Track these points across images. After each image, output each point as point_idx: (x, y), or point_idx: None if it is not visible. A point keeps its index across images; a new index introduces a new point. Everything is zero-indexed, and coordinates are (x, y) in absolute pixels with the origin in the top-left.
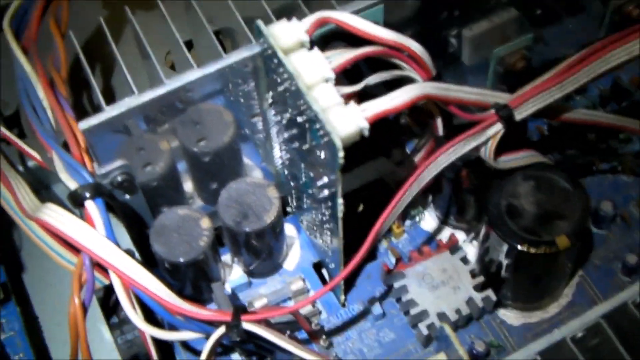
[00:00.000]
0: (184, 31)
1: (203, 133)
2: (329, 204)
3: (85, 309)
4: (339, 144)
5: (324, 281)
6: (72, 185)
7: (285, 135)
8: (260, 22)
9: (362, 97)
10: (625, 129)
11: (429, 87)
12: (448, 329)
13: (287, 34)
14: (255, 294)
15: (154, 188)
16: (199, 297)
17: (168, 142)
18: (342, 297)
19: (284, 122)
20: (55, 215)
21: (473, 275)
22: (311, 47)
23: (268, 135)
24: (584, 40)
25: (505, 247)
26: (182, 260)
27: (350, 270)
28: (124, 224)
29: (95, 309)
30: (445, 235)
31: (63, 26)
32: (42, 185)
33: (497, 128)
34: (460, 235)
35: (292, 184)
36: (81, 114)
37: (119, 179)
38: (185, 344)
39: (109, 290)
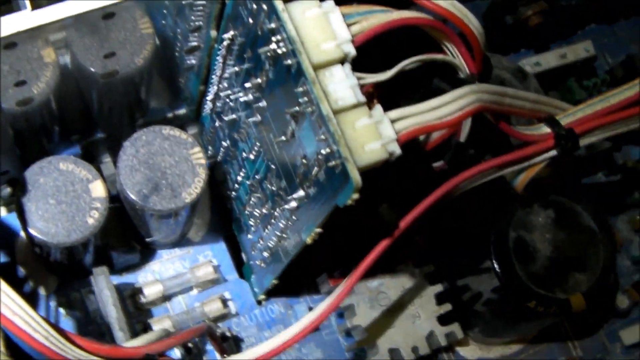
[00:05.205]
0: None
1: (110, 46)
2: (294, 218)
3: None
4: (356, 180)
5: (238, 263)
6: None
7: (242, 98)
8: None
9: None
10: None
11: (485, 94)
12: None
13: None
14: (147, 275)
15: (27, 120)
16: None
17: (55, 52)
18: (261, 294)
19: (248, 85)
20: None
21: (439, 300)
22: None
23: (202, 71)
24: None
25: (496, 282)
26: (55, 242)
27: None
28: None
29: None
30: None
31: None
32: None
33: (550, 155)
34: None
35: (223, 143)
36: None
37: None
38: None
39: None
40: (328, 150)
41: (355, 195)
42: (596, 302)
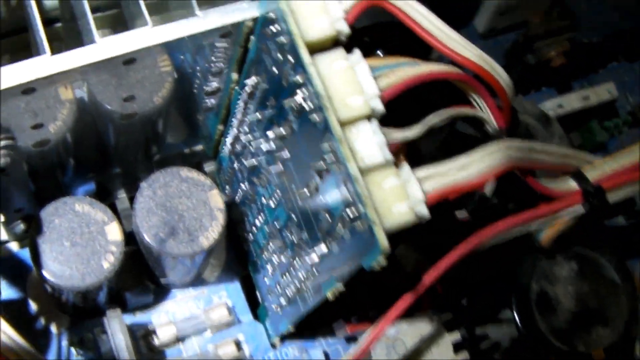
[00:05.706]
0: None
1: (129, 84)
2: (314, 270)
3: None
4: (383, 244)
5: (253, 304)
6: None
7: (263, 145)
8: None
9: None
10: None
11: (514, 150)
12: None
13: (317, 16)
14: (160, 315)
15: (43, 158)
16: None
17: (72, 89)
18: (276, 337)
19: (270, 134)
20: None
21: (456, 348)
22: (349, 47)
23: (222, 112)
24: None
25: (515, 333)
26: (69, 285)
27: None
28: None
29: None
30: None
31: None
32: None
33: (577, 211)
34: None
35: (241, 185)
36: None
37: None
38: None
39: None
40: (354, 210)
41: (383, 260)
42: (617, 353)
